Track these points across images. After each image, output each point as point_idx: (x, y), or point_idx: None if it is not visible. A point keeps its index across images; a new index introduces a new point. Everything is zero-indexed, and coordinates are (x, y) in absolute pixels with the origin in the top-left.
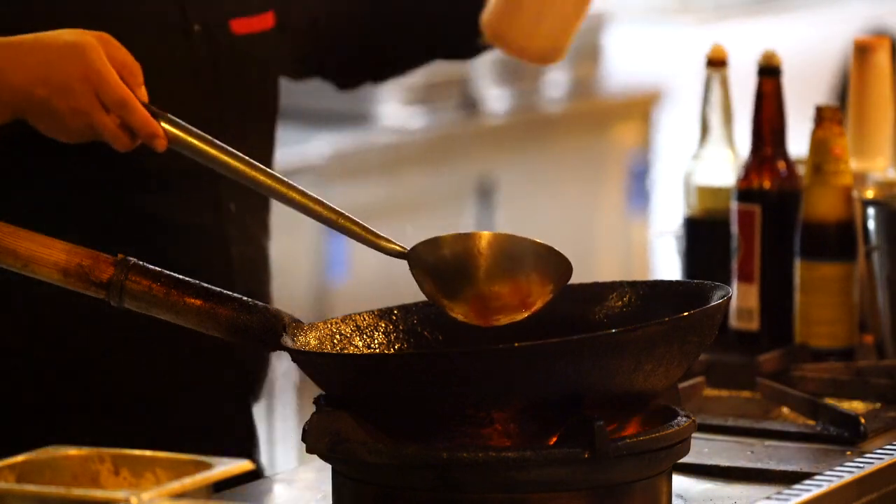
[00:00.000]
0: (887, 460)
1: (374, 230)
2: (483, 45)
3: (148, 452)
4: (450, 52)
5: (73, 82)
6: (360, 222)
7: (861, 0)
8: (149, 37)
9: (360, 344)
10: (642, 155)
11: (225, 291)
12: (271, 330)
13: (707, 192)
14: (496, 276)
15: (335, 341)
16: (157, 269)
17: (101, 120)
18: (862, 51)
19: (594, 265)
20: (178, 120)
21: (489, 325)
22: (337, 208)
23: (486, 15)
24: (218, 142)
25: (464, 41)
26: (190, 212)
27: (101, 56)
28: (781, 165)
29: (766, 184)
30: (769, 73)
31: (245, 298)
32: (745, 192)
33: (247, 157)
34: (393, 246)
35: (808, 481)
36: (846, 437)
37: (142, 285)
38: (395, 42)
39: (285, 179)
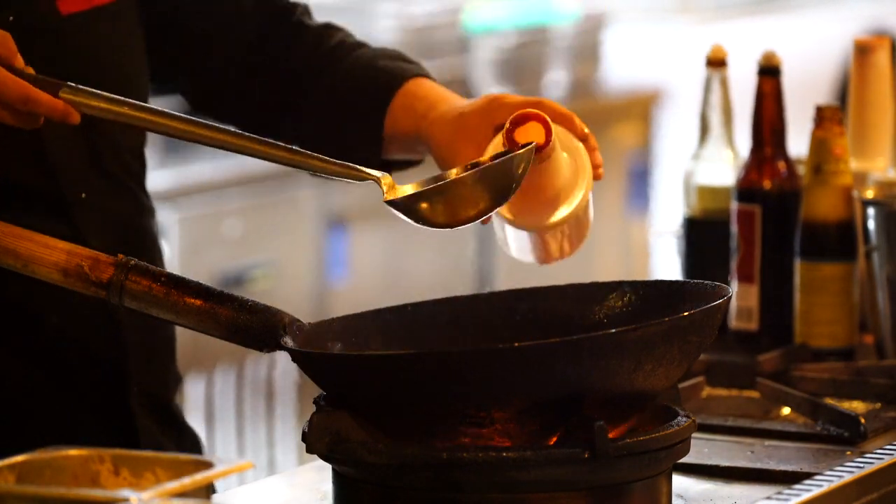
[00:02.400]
0: (887, 460)
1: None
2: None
3: (148, 452)
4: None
5: None
6: (316, 154)
7: (861, 0)
8: None
9: (360, 344)
10: (642, 155)
11: (225, 291)
12: (271, 330)
13: (707, 192)
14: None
15: (335, 341)
16: (157, 269)
17: (5, 117)
18: (862, 51)
19: (594, 265)
20: (76, 86)
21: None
22: (279, 143)
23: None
24: (126, 99)
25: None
26: (33, 215)
27: None
28: (781, 165)
29: (766, 184)
30: (769, 73)
31: (245, 298)
32: (745, 192)
33: (164, 109)
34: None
35: (808, 481)
36: (846, 437)
37: (142, 285)
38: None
39: (205, 122)
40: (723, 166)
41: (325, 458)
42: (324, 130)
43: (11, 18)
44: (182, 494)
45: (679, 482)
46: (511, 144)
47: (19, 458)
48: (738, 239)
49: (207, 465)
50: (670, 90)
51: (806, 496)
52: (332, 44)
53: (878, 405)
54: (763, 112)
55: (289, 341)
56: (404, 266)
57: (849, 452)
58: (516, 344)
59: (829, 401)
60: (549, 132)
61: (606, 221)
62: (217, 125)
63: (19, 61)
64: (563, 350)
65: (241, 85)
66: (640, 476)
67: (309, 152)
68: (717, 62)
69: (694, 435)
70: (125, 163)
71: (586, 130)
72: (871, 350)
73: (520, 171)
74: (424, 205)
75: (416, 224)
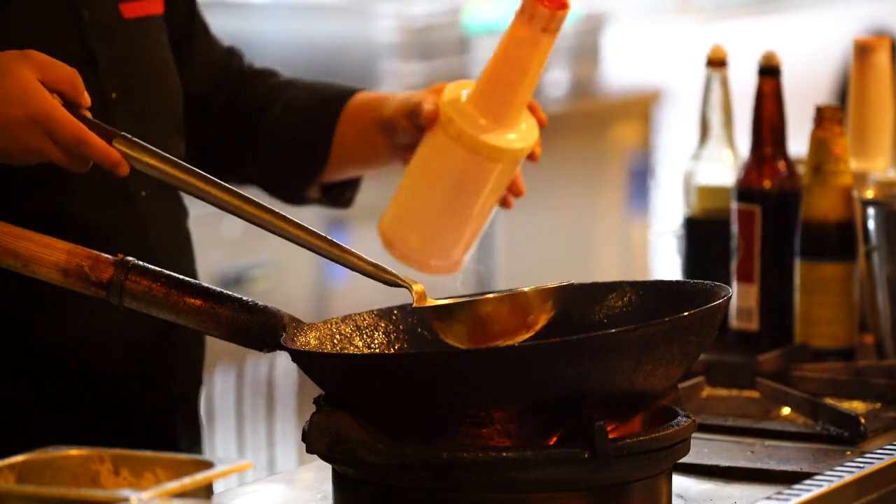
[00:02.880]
0: (887, 460)
1: (379, 264)
2: (308, 200)
3: (148, 452)
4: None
5: (21, 127)
6: (352, 250)
7: (861, 0)
8: (40, 29)
9: (360, 344)
10: (642, 155)
11: (225, 291)
12: (271, 330)
13: (707, 192)
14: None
15: (335, 341)
16: (157, 269)
17: (56, 156)
18: (862, 51)
19: (594, 265)
20: (131, 138)
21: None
22: (320, 233)
23: (382, 223)
24: (177, 160)
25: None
26: (102, 205)
27: (41, 93)
28: (781, 165)
29: (766, 184)
30: (769, 73)
31: (245, 298)
32: (745, 192)
33: (206, 174)
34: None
35: (808, 481)
36: (846, 437)
37: (142, 285)
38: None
39: (255, 200)
40: (723, 166)
41: (325, 458)
42: (277, 148)
43: (87, 16)
44: (182, 494)
45: (679, 482)
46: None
47: (19, 458)
48: (738, 239)
49: (207, 465)
50: (670, 90)
51: (806, 496)
52: (275, 82)
53: (878, 405)
54: (763, 112)
55: (289, 341)
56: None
57: (849, 452)
58: (516, 344)
59: (829, 401)
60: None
61: (606, 221)
62: (264, 205)
63: (85, 100)
64: (563, 350)
65: (200, 129)
66: (640, 476)
67: (346, 248)
68: (717, 62)
69: (694, 435)
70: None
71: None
72: (871, 350)
73: (551, 304)
74: (448, 321)
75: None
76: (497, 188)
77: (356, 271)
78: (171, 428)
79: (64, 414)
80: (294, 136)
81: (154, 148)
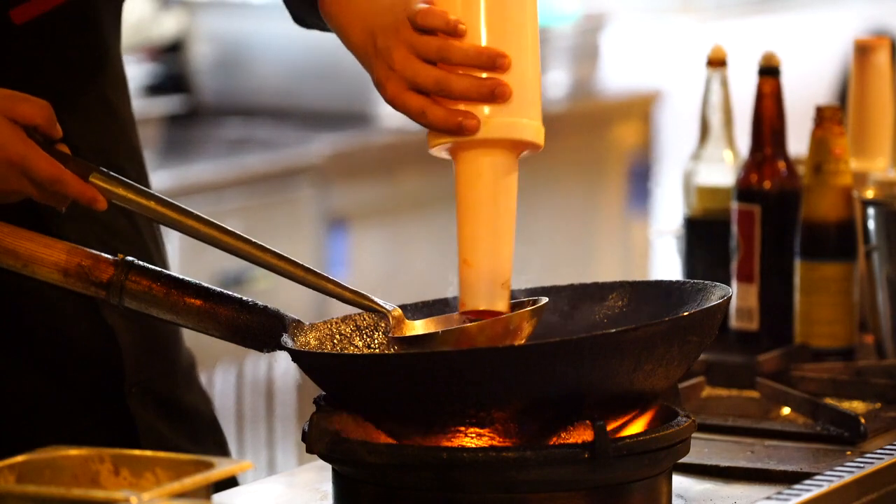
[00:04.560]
0: (887, 460)
1: (356, 289)
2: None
3: (148, 452)
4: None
5: None
6: (330, 277)
7: (861, 0)
8: None
9: (360, 344)
10: (642, 155)
11: (225, 291)
12: (271, 330)
13: (707, 192)
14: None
15: (335, 341)
16: (157, 269)
17: (34, 194)
18: (862, 51)
19: (594, 265)
20: (107, 172)
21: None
22: (298, 261)
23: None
24: (155, 193)
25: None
26: None
27: (16, 133)
28: (781, 165)
29: (766, 184)
30: (769, 73)
31: (245, 298)
32: (745, 192)
33: (186, 207)
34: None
35: (808, 481)
36: (846, 437)
37: (142, 285)
38: None
39: (233, 231)
40: (723, 166)
41: (325, 458)
42: None
43: None
44: (182, 494)
45: (679, 482)
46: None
47: (19, 458)
48: (738, 239)
49: (207, 465)
50: (670, 90)
51: (806, 496)
52: None
53: (878, 405)
54: (763, 112)
55: (289, 341)
56: (404, 266)
57: (849, 452)
58: (516, 344)
59: (829, 401)
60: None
61: (606, 221)
62: (241, 235)
63: (57, 132)
64: (563, 350)
65: None
66: (640, 476)
67: (324, 275)
68: (717, 62)
69: (694, 435)
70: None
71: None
72: (871, 350)
73: (529, 328)
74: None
75: None
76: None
77: (336, 298)
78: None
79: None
80: None
81: (131, 181)
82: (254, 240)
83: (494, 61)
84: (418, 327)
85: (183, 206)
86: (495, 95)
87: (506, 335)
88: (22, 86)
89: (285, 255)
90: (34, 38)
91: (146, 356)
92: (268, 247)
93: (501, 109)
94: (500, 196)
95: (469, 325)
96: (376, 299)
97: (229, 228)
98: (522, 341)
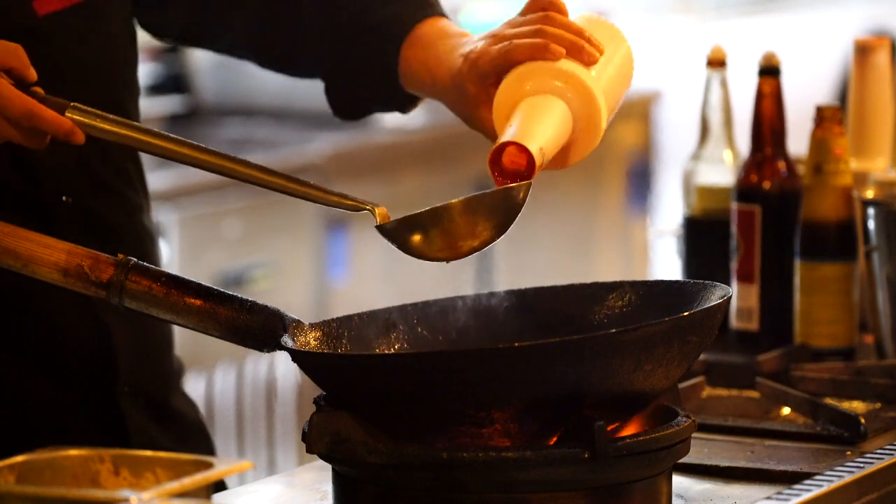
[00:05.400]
0: (887, 460)
1: (337, 191)
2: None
3: (148, 452)
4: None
5: None
6: (312, 182)
7: (861, 0)
8: None
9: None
10: (642, 155)
11: (225, 291)
12: (271, 330)
13: (707, 192)
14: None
15: (335, 341)
16: (157, 269)
17: (10, 133)
18: (862, 51)
19: (594, 265)
20: (83, 107)
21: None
22: (278, 171)
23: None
24: (131, 122)
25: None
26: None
27: None
28: (781, 165)
29: (766, 184)
30: (769, 73)
31: (245, 298)
32: (745, 192)
33: (166, 133)
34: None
35: (808, 481)
36: (846, 437)
37: (142, 285)
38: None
39: (212, 149)
40: (723, 166)
41: (325, 458)
42: (339, 63)
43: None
44: (182, 494)
45: (679, 482)
46: (503, 177)
47: (19, 458)
48: (738, 239)
49: (207, 465)
50: (670, 90)
51: (806, 496)
52: None
53: (878, 405)
54: (763, 112)
55: (289, 341)
56: (404, 266)
57: (849, 452)
58: (516, 344)
59: (829, 401)
60: (531, 161)
61: (606, 221)
62: (220, 152)
63: (32, 74)
64: (563, 350)
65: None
66: (640, 476)
67: (307, 181)
68: (717, 62)
69: (694, 435)
70: (115, 165)
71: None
72: (871, 350)
73: (521, 199)
74: (417, 233)
75: (411, 256)
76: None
77: (320, 202)
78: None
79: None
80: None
81: (108, 114)
82: (230, 154)
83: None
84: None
85: (163, 133)
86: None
87: (492, 210)
88: (41, 85)
89: (263, 165)
90: (54, 36)
91: (140, 358)
92: (248, 161)
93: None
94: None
95: (452, 201)
96: (358, 199)
97: (203, 146)
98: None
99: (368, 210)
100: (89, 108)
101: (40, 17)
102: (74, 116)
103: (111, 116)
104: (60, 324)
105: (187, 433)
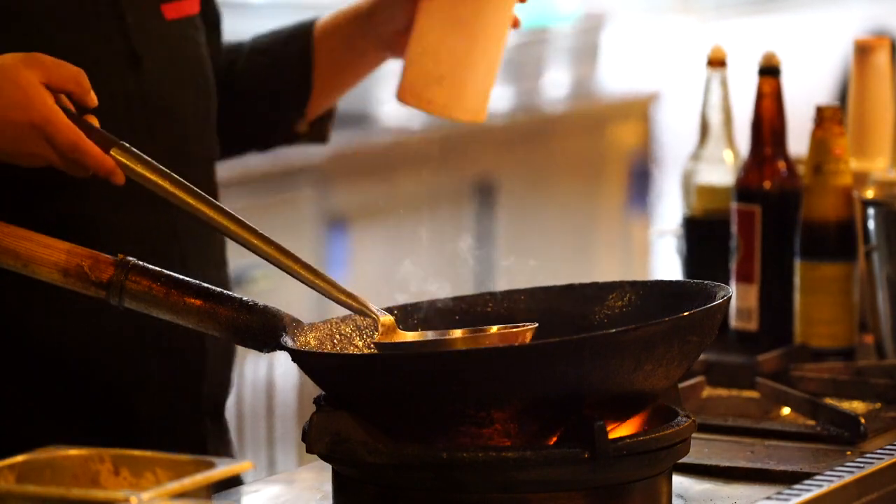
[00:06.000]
0: (887, 460)
1: (351, 292)
2: (295, 135)
3: (148, 452)
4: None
5: (22, 131)
6: (328, 277)
7: (861, 0)
8: (85, 31)
9: (360, 344)
10: (642, 155)
11: (225, 291)
12: (271, 330)
13: (707, 192)
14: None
15: (335, 341)
16: (157, 269)
17: (55, 160)
18: (862, 51)
19: (594, 265)
20: (130, 148)
21: None
22: (299, 258)
23: (406, 82)
24: (172, 174)
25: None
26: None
27: (42, 97)
28: (781, 165)
29: (766, 184)
30: (769, 73)
31: (245, 298)
32: (745, 192)
33: (202, 193)
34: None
35: (808, 481)
36: (846, 437)
37: (142, 285)
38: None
39: (242, 220)
40: (723, 166)
41: (325, 458)
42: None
43: (130, 18)
44: (182, 494)
45: (679, 482)
46: None
47: (19, 458)
48: (738, 239)
49: (207, 465)
50: (670, 90)
51: (806, 496)
52: (233, 44)
53: (878, 405)
54: (763, 112)
55: (289, 341)
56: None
57: (849, 452)
58: (516, 344)
59: (829, 401)
60: None
61: (606, 221)
62: (249, 225)
63: (91, 100)
64: (563, 350)
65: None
66: (640, 476)
67: (323, 274)
68: (717, 62)
69: (694, 435)
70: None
71: None
72: (871, 350)
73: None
74: None
75: None
76: (508, 16)
77: (330, 298)
78: (200, 431)
79: (86, 418)
80: (271, 73)
81: (151, 160)
82: (259, 231)
83: None
84: (408, 337)
85: (199, 192)
86: None
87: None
88: (155, 81)
89: (288, 249)
90: (178, 36)
91: (223, 377)
92: (272, 239)
93: None
94: None
95: (460, 337)
96: (368, 305)
97: (239, 217)
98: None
99: (373, 318)
100: (134, 151)
101: (167, 21)
102: (118, 156)
103: (154, 163)
104: (176, 347)
105: (229, 442)
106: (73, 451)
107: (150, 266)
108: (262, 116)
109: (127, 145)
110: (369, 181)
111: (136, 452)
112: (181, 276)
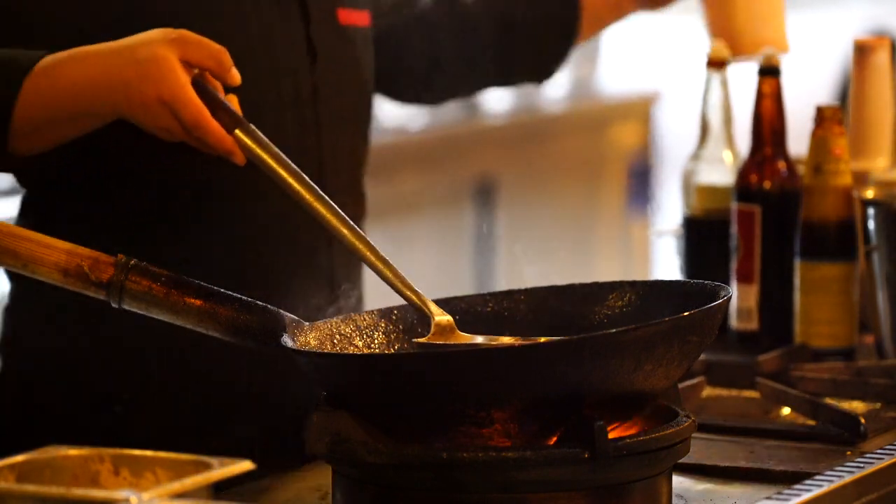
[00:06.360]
0: (887, 460)
1: (416, 289)
2: (555, 69)
3: (148, 452)
4: (525, 78)
5: (151, 104)
6: (396, 269)
7: (861, 0)
8: (272, 20)
9: (360, 344)
10: (642, 155)
11: (225, 291)
12: (271, 330)
13: (707, 192)
14: None
15: (335, 341)
16: (156, 269)
17: (182, 136)
18: (862, 51)
19: (594, 265)
20: (255, 130)
21: None
22: (387, 260)
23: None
24: (290, 163)
25: (543, 67)
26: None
27: (176, 74)
28: (781, 165)
29: (766, 184)
30: (769, 73)
31: (245, 298)
32: (745, 192)
33: (314, 186)
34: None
35: (808, 481)
36: (846, 437)
37: (142, 285)
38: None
39: (346, 219)
40: (723, 166)
41: (325, 458)
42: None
43: (313, 13)
44: (182, 494)
45: (679, 482)
46: None
47: (19, 457)
48: (738, 239)
49: (207, 466)
50: (670, 90)
51: (806, 496)
52: None
53: (878, 405)
54: (763, 112)
55: (289, 341)
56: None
57: (849, 452)
58: (516, 344)
59: (829, 401)
60: None
61: (606, 221)
62: (354, 227)
63: (232, 77)
64: (563, 350)
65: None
66: (640, 476)
67: (393, 266)
68: (717, 62)
69: (694, 435)
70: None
71: None
72: (871, 350)
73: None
74: None
75: None
76: None
77: (395, 290)
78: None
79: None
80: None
81: (273, 146)
82: (359, 230)
83: None
84: (461, 339)
85: (312, 185)
86: None
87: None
88: (326, 74)
89: (368, 240)
90: (347, 40)
91: None
92: (365, 237)
93: None
94: None
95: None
96: (429, 303)
97: (342, 214)
98: None
99: (429, 316)
100: (258, 134)
101: (340, 24)
102: (239, 136)
103: (275, 150)
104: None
105: None
106: (73, 451)
107: (150, 266)
108: (536, 44)
109: (252, 128)
110: (369, 181)
111: (136, 452)
112: (181, 277)
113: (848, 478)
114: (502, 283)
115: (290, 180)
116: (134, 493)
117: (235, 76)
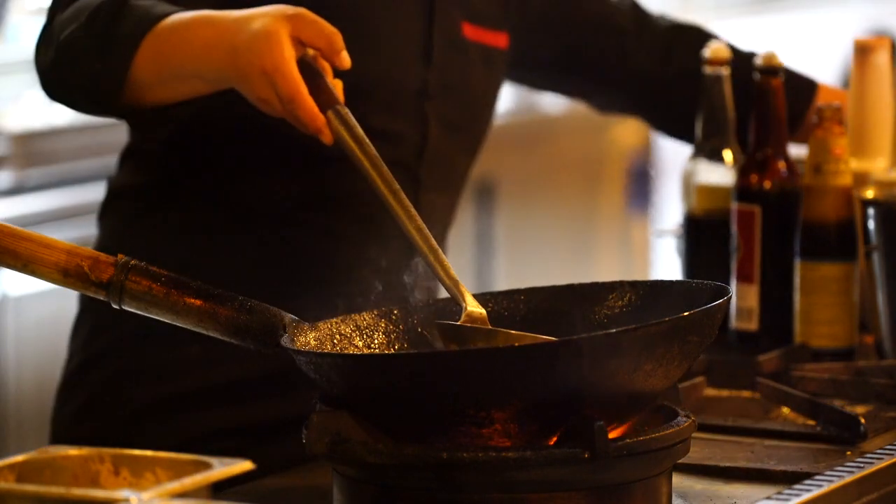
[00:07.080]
0: (887, 460)
1: (458, 279)
2: None
3: (148, 452)
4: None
5: (253, 74)
6: (444, 258)
7: (861, 0)
8: (397, 16)
9: (360, 344)
10: (642, 155)
11: (225, 291)
12: (271, 330)
13: (707, 192)
14: None
15: (335, 341)
16: (156, 269)
17: (279, 110)
18: (862, 51)
19: (594, 265)
20: (348, 114)
21: None
22: (437, 248)
23: None
24: (375, 154)
25: None
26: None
27: (282, 48)
28: (781, 165)
29: (766, 184)
30: (769, 73)
31: (245, 298)
32: (745, 192)
33: (391, 178)
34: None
35: (808, 481)
36: (846, 437)
37: (142, 286)
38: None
39: (413, 213)
40: (723, 166)
41: (326, 458)
42: None
43: (437, 17)
44: (182, 494)
45: (679, 482)
46: None
47: (19, 457)
48: (738, 239)
49: (207, 466)
50: None
51: (806, 496)
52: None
53: (878, 405)
54: (763, 112)
55: (289, 341)
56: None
57: (849, 452)
58: (516, 344)
59: (829, 401)
60: None
61: (606, 221)
62: (413, 214)
63: (341, 61)
64: (563, 350)
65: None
66: (640, 476)
67: (440, 254)
68: (717, 62)
69: (694, 435)
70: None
71: None
72: (871, 350)
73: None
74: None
75: None
76: None
77: (436, 277)
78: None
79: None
80: None
81: (362, 133)
82: (414, 214)
83: None
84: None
85: (391, 181)
86: None
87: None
88: (440, 79)
89: (426, 230)
90: (469, 54)
91: None
92: (420, 223)
93: None
94: None
95: (508, 333)
96: (468, 294)
97: (410, 209)
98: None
99: (462, 306)
100: (350, 119)
101: (463, 37)
102: (331, 117)
103: (362, 137)
104: None
105: None
106: (73, 451)
107: (150, 266)
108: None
109: (346, 111)
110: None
111: (136, 452)
112: (181, 277)
113: (848, 478)
114: (502, 283)
115: (373, 173)
116: (134, 493)
117: (345, 59)
